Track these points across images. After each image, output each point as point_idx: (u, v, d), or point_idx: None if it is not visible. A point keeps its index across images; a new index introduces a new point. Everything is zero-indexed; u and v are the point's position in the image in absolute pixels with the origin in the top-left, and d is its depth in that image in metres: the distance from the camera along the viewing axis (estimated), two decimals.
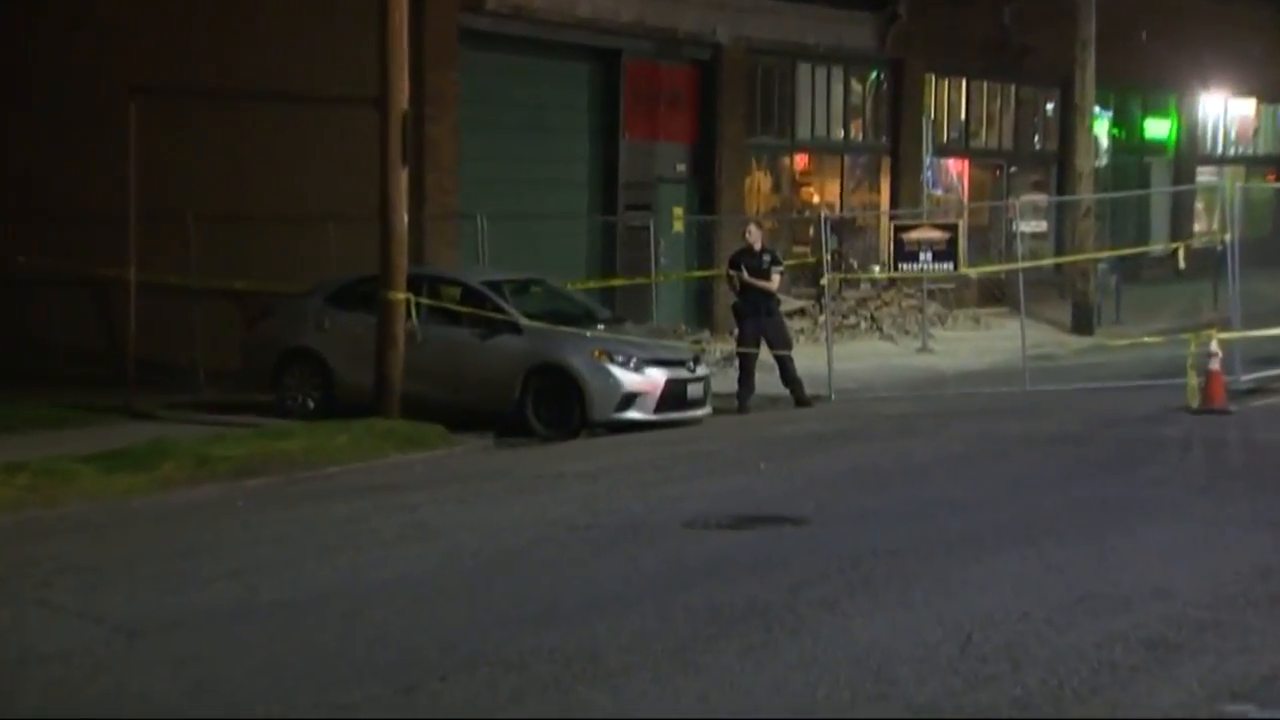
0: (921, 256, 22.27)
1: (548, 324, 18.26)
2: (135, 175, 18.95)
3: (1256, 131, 43.61)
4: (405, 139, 17.62)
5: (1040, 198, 34.73)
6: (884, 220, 28.21)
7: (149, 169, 19.57)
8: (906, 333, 28.04)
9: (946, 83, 33.06)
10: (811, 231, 28.05)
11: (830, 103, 30.50)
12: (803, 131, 30.01)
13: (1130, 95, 38.36)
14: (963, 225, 23.89)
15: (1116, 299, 30.83)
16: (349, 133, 20.45)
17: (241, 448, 15.48)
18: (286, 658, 8.06)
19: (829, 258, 23.38)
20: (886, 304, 29.08)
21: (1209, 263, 28.70)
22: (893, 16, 30.40)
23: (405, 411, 17.41)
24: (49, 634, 8.61)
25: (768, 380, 20.24)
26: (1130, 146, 38.82)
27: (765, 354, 20.21)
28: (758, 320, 20.10)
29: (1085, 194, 29.68)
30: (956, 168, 33.91)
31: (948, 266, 22.61)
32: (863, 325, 28.23)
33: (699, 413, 18.46)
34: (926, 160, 30.03)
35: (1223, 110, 41.79)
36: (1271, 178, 42.24)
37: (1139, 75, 36.61)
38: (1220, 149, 42.31)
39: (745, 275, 20.10)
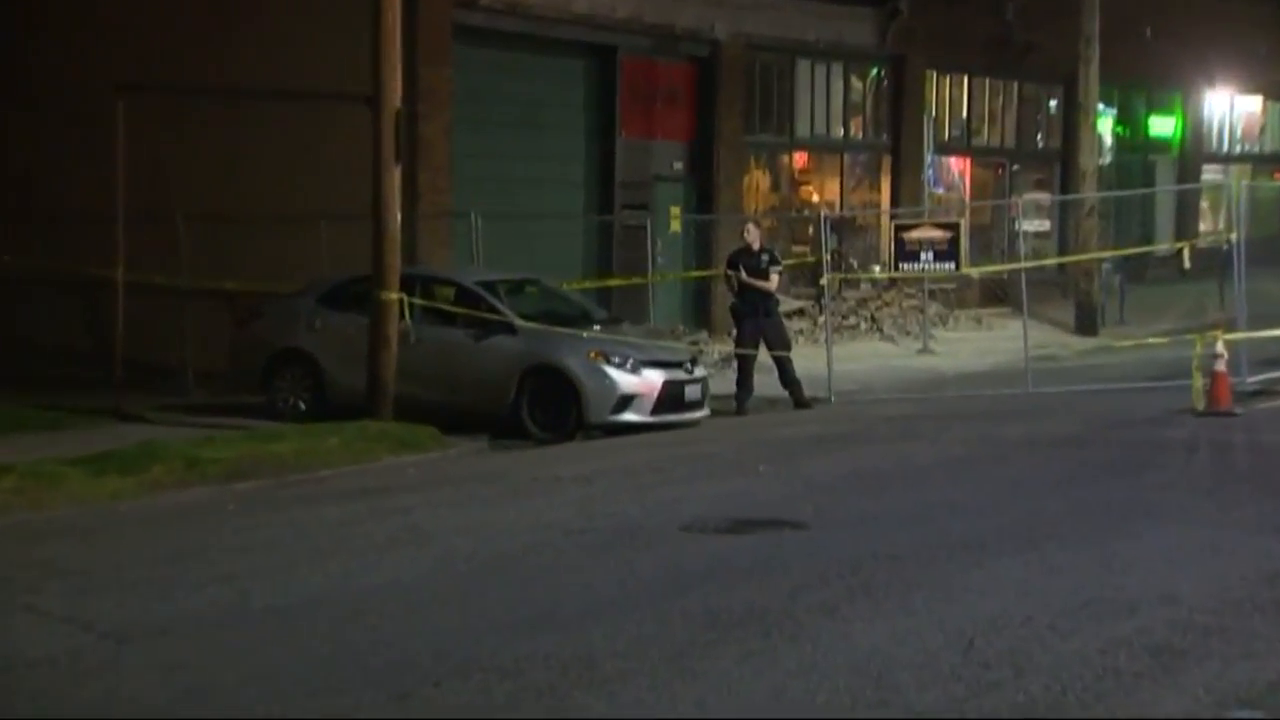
0: (922, 256, 22.27)
1: (543, 325, 18.27)
2: (124, 174, 18.95)
3: (1263, 129, 43.67)
4: (398, 137, 17.61)
5: (1043, 196, 34.76)
6: (884, 219, 28.23)
7: (138, 168, 19.57)
8: (907, 333, 28.07)
9: (948, 79, 33.10)
10: (811, 231, 28.08)
11: (830, 100, 30.53)
12: (802, 129, 30.03)
13: (1135, 92, 38.40)
14: (964, 224, 23.89)
15: (1120, 299, 30.86)
16: (341, 131, 20.45)
17: (232, 450, 15.47)
18: (278, 664, 8.05)
19: (828, 257, 23.40)
20: (887, 304, 29.10)
21: (1214, 262, 28.73)
22: (894, 12, 30.43)
23: (398, 413, 17.40)
24: (36, 640, 8.59)
25: (766, 382, 20.25)
26: (1134, 144, 38.86)
27: (764, 355, 20.22)
28: (756, 321, 20.12)
29: (1089, 192, 29.71)
30: (958, 166, 33.95)
31: (949, 266, 22.61)
32: (863, 326, 28.26)
33: (697, 415, 18.47)
34: (928, 158, 30.04)
35: (1228, 107, 41.84)
36: (1278, 176, 42.29)
37: (1143, 72, 36.65)
38: (1226, 147, 42.36)
39: (743, 275, 20.11)
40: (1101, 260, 29.45)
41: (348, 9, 20.28)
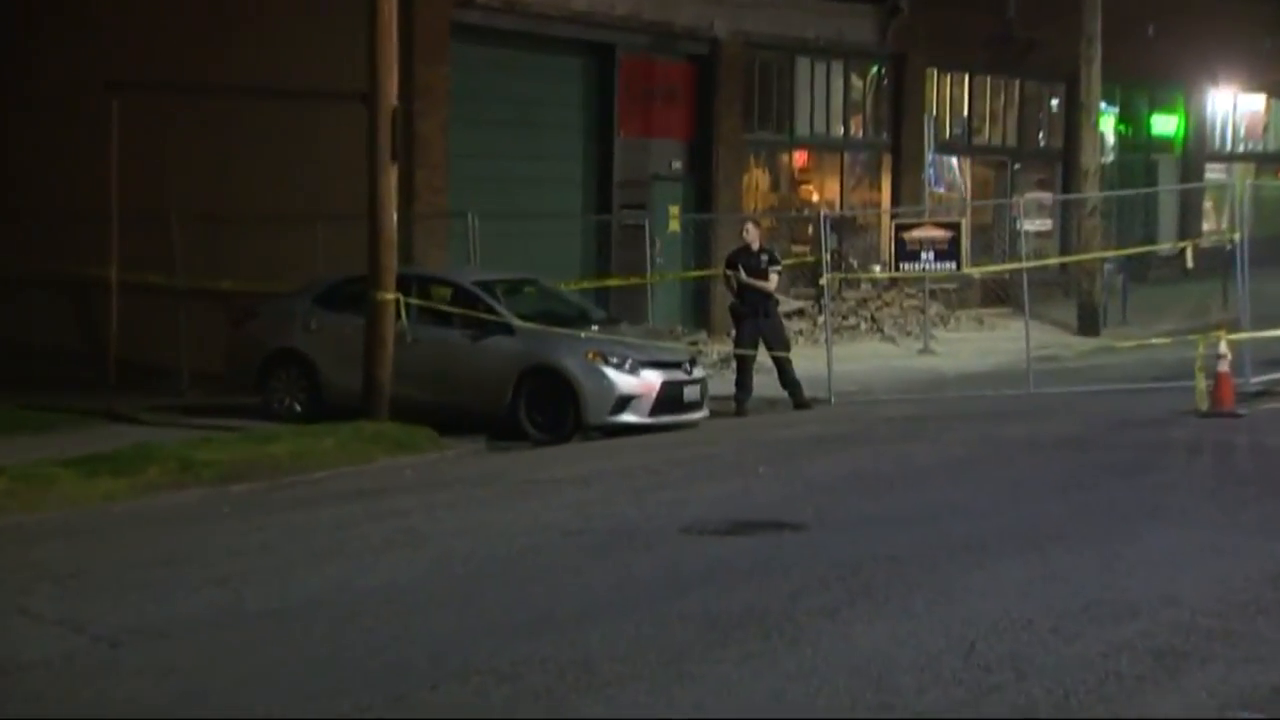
0: (923, 256, 22.27)
1: (541, 325, 18.27)
2: (117, 173, 18.94)
3: (1266, 127, 43.67)
4: (394, 136, 17.61)
5: (1045, 196, 34.76)
6: (885, 219, 28.23)
7: (132, 166, 19.57)
8: (908, 334, 28.08)
9: (949, 78, 33.10)
10: (811, 230, 28.06)
11: (830, 98, 30.52)
12: (802, 128, 30.02)
13: (1137, 91, 38.40)
14: (965, 224, 23.90)
15: (1123, 299, 30.86)
16: (336, 129, 20.45)
17: (226, 452, 15.48)
18: (273, 667, 8.05)
19: (828, 257, 23.39)
20: (887, 304, 29.11)
21: (1217, 262, 28.72)
22: (894, 10, 30.43)
23: (394, 414, 17.40)
24: (28, 643, 8.59)
25: (766, 382, 20.26)
26: (1137, 143, 38.87)
27: (763, 355, 20.22)
28: (755, 321, 20.12)
29: (1091, 192, 29.71)
30: (959, 165, 33.93)
31: (950, 266, 22.62)
32: (863, 326, 28.26)
33: (695, 416, 18.47)
34: (928, 157, 30.02)
35: (1232, 106, 41.85)
36: None
37: (1146, 70, 36.65)
38: (1229, 145, 42.36)
39: (743, 275, 20.11)
40: (1104, 260, 29.44)
41: (343, 6, 20.28)
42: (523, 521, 11.96)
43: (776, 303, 20.74)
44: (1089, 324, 29.24)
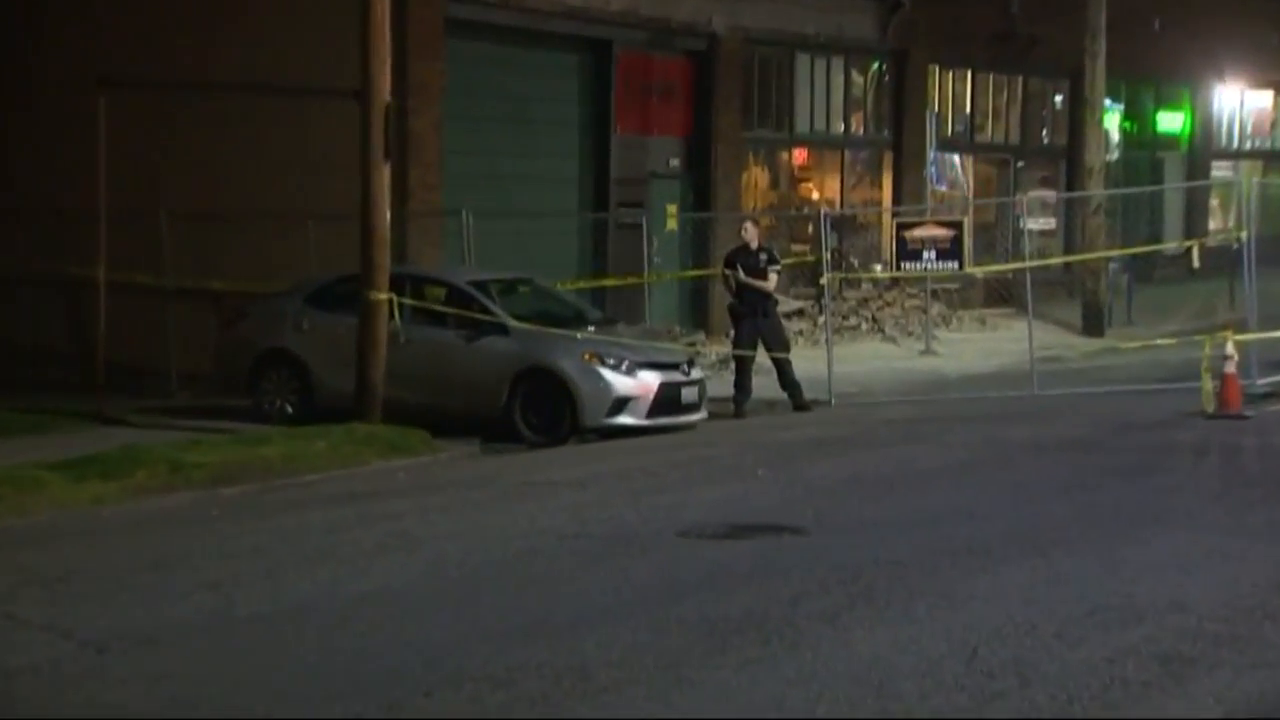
0: (925, 255, 22.27)
1: (536, 325, 18.27)
2: (106, 171, 18.93)
3: (1274, 124, 43.66)
4: (388, 133, 17.61)
5: (1049, 194, 34.74)
6: (886, 217, 28.23)
7: (121, 164, 19.55)
8: (909, 334, 28.08)
9: (951, 74, 33.10)
10: (810, 229, 28.06)
11: (830, 95, 30.52)
12: (801, 125, 30.02)
13: (1142, 87, 38.40)
14: (968, 223, 23.91)
15: (1128, 299, 30.87)
16: (329, 126, 20.43)
17: (216, 454, 15.47)
18: (264, 673, 8.05)
19: (829, 256, 23.40)
20: (888, 304, 29.10)
21: (1224, 261, 28.72)
22: (895, 5, 30.44)
23: (387, 416, 17.40)
24: (15, 648, 8.59)
25: (765, 384, 20.26)
26: (1142, 141, 38.87)
27: (763, 356, 20.22)
28: (754, 321, 20.12)
29: (1095, 190, 29.72)
30: (961, 163, 33.94)
31: (952, 265, 22.62)
32: (864, 327, 28.26)
33: (694, 417, 18.47)
34: (930, 155, 30.01)
35: (1239, 102, 41.85)
36: None
37: (1152, 66, 36.66)
38: (1236, 143, 42.36)
39: (741, 275, 20.12)
40: (1108, 259, 29.46)
41: (336, 1, 20.27)
42: (518, 525, 11.96)
43: (776, 303, 20.75)
44: (1093, 324, 29.25)
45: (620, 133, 26.08)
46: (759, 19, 28.03)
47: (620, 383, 17.84)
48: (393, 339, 17.80)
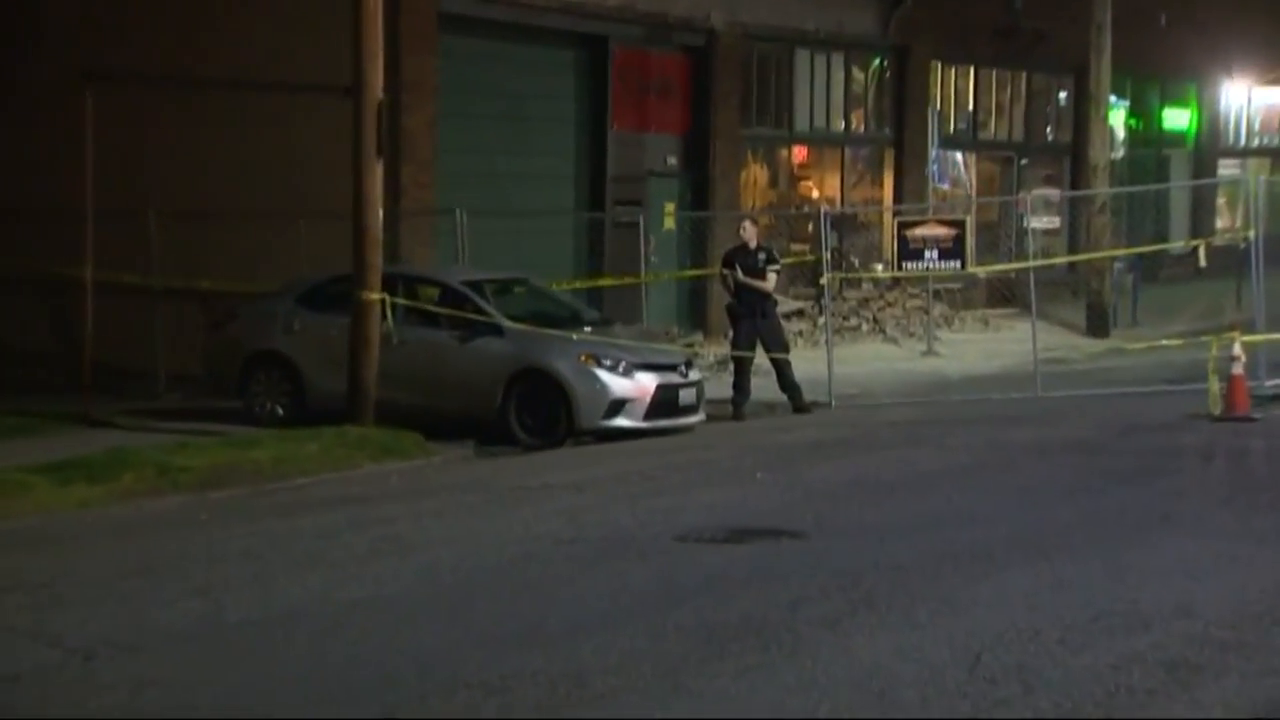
0: (926, 254, 22.28)
1: (532, 326, 18.27)
2: (92, 168, 18.92)
3: None
4: (380, 130, 17.61)
5: (1053, 192, 34.76)
6: (887, 216, 28.23)
7: (107, 162, 19.55)
8: (911, 335, 28.10)
9: (953, 70, 33.13)
10: (810, 228, 28.06)
11: (830, 92, 30.54)
12: (801, 122, 30.04)
13: (1148, 83, 38.42)
14: (970, 221, 23.91)
15: (1133, 299, 30.90)
16: (320, 123, 20.44)
17: (206, 457, 15.47)
18: (254, 681, 8.05)
19: (829, 256, 23.40)
20: (890, 305, 29.12)
21: (1231, 261, 28.76)
22: (897, 0, 30.45)
23: (380, 419, 17.40)
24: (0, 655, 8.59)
25: (764, 385, 20.26)
26: (1148, 138, 38.90)
27: (761, 357, 20.23)
28: (753, 322, 20.12)
29: (1100, 188, 29.73)
30: (964, 161, 33.95)
31: (954, 265, 22.63)
32: (864, 327, 28.27)
33: (691, 420, 18.48)
34: (932, 153, 30.02)
35: (1246, 99, 41.87)
36: None
37: (1158, 62, 36.69)
38: (1244, 140, 42.39)
39: (740, 274, 20.12)
40: (1113, 259, 29.48)
41: None
42: (513, 530, 11.97)
43: (775, 303, 20.75)
44: (1098, 325, 29.27)
45: (617, 130, 26.09)
46: (758, 14, 28.05)
47: (617, 384, 17.84)
48: (385, 340, 17.80)
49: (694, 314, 27.20)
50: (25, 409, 19.13)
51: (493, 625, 8.97)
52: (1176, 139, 40.00)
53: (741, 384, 20.03)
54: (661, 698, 7.49)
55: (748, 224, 21.15)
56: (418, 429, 17.32)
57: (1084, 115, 32.20)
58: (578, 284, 24.06)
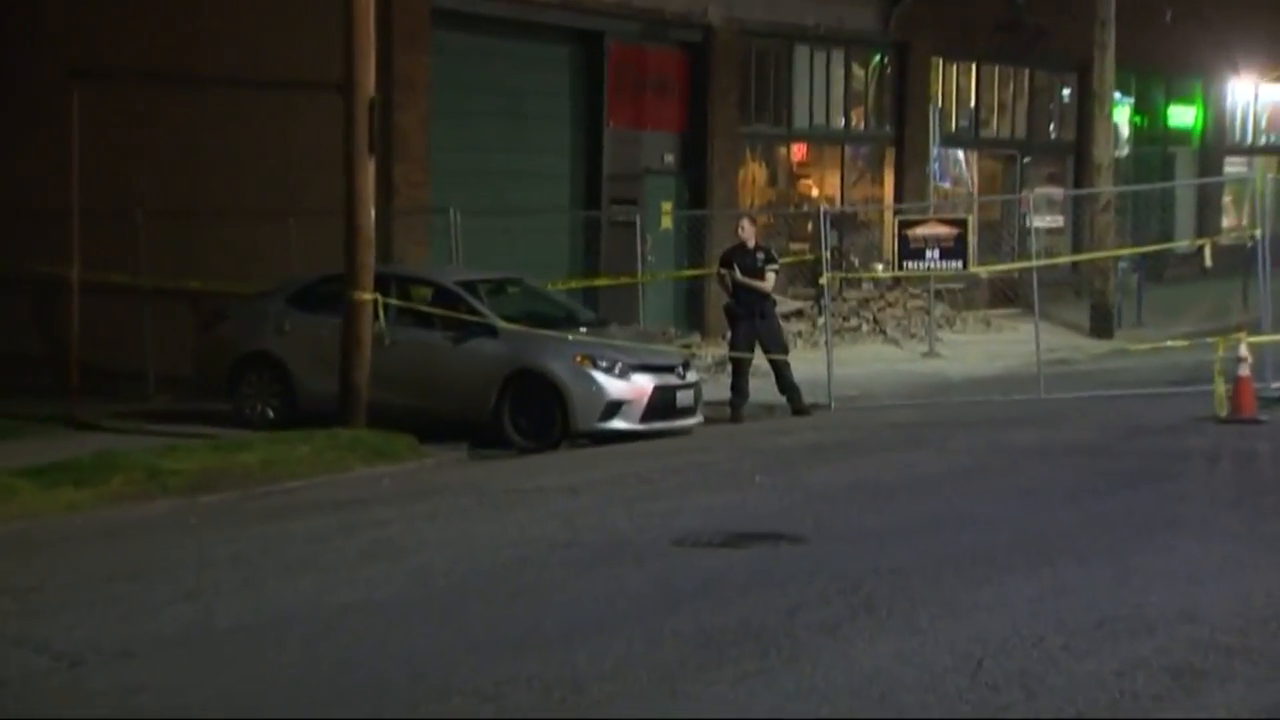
0: (928, 254, 22.28)
1: (526, 327, 18.27)
2: (79, 166, 18.92)
3: None
4: (372, 128, 17.61)
5: (1056, 191, 34.80)
6: (887, 215, 28.22)
7: (94, 159, 19.58)
8: (912, 336, 28.10)
9: (955, 67, 33.15)
10: (810, 227, 28.08)
11: (830, 89, 30.55)
12: (800, 120, 30.05)
13: (1153, 80, 38.47)
14: (972, 221, 23.91)
15: (1138, 300, 30.92)
16: (311, 121, 20.46)
17: (195, 460, 15.47)
18: (245, 686, 8.05)
19: (828, 255, 23.40)
20: (890, 305, 29.13)
21: (1237, 260, 28.79)
22: None
23: (372, 421, 17.40)
24: None
25: (763, 387, 20.26)
26: (1153, 135, 38.94)
27: (760, 359, 20.23)
28: (752, 323, 20.12)
29: (1104, 187, 29.74)
30: (966, 159, 33.97)
31: (956, 265, 22.63)
32: (865, 328, 28.28)
33: (689, 422, 18.48)
34: (933, 151, 30.02)
35: (1253, 96, 41.93)
36: None
37: (1162, 59, 36.73)
38: (1250, 138, 42.46)
39: (738, 274, 20.12)
40: (1118, 258, 29.49)
41: None
42: (507, 533, 11.97)
43: (774, 303, 20.75)
44: (1102, 325, 29.28)
45: (613, 127, 26.09)
46: (756, 10, 28.06)
47: (613, 386, 17.84)
48: (377, 341, 17.80)
49: (691, 314, 27.20)
50: (11, 411, 19.12)
51: (486, 630, 8.97)
52: (1182, 136, 40.04)
53: (740, 385, 20.03)
54: (658, 704, 7.49)
55: (746, 223, 21.14)
56: (410, 431, 17.31)
57: (1088, 112, 32.24)
58: (573, 284, 24.06)
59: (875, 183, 31.94)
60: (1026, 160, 35.33)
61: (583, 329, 18.73)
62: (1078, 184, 34.15)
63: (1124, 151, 35.87)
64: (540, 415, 17.79)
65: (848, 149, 31.38)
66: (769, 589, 9.76)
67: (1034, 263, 23.73)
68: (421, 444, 17.20)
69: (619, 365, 17.95)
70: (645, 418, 17.96)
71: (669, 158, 27.48)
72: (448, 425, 17.90)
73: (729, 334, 20.94)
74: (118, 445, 16.29)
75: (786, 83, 29.63)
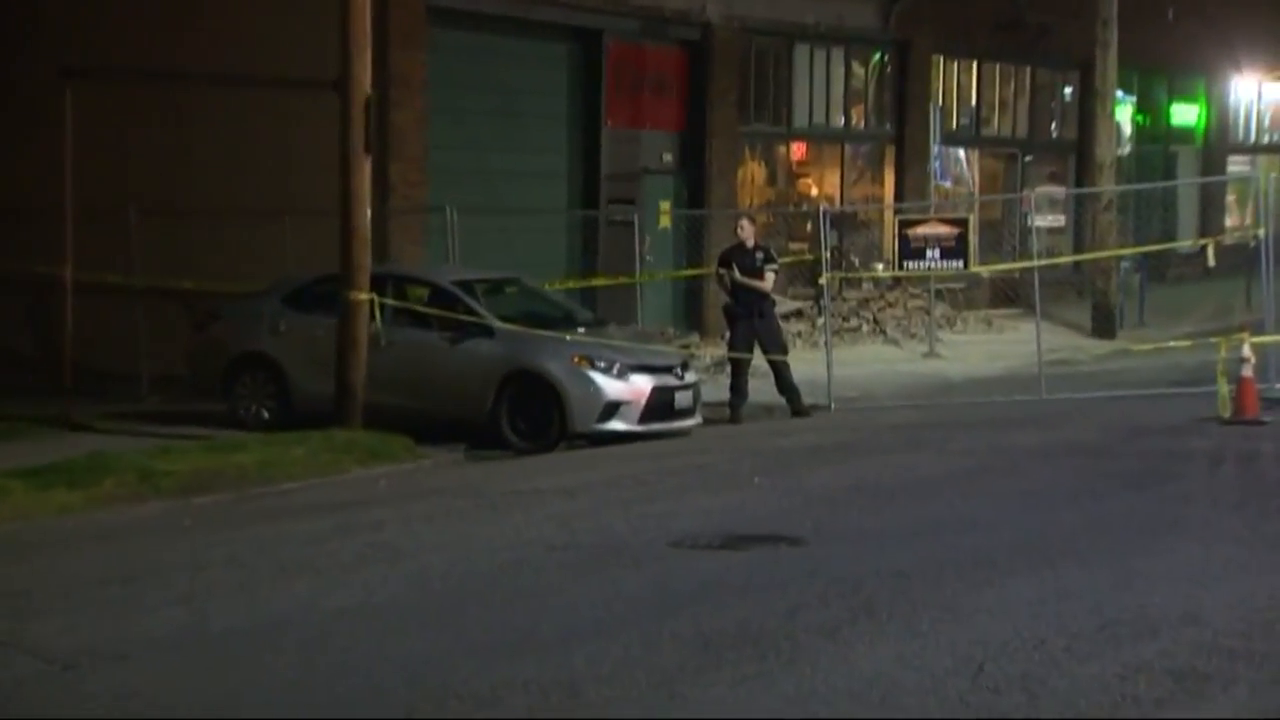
0: (928, 254, 22.28)
1: (524, 327, 18.26)
2: (72, 165, 18.90)
3: None
4: (368, 126, 17.61)
5: (1058, 190, 34.81)
6: (888, 214, 28.23)
7: (87, 158, 19.52)
8: (912, 336, 28.10)
9: (956, 65, 33.15)
10: (809, 227, 28.07)
11: (830, 87, 30.55)
12: (800, 118, 30.04)
13: (1155, 78, 38.47)
14: (973, 220, 23.92)
15: (1140, 300, 30.92)
16: (307, 120, 20.43)
17: (189, 462, 15.46)
18: (239, 691, 8.05)
19: (828, 255, 23.40)
20: (890, 305, 29.13)
21: (1241, 260, 28.76)
22: None
23: (368, 422, 17.40)
24: None
25: (762, 387, 20.26)
26: (1155, 134, 38.94)
27: (759, 359, 20.23)
28: (751, 323, 20.12)
29: (1106, 186, 29.74)
30: (967, 158, 33.98)
31: (957, 265, 22.63)
32: (865, 328, 28.28)
33: (687, 423, 18.47)
34: (934, 149, 30.02)
35: (1256, 94, 41.93)
36: None
37: (1165, 56, 36.72)
38: (1253, 136, 42.45)
39: (737, 274, 20.12)
40: (1120, 258, 29.49)
41: None
42: (504, 535, 11.97)
43: (773, 303, 20.74)
44: (1104, 326, 29.28)
45: (611, 126, 26.09)
46: (755, 7, 28.05)
47: (611, 387, 17.84)
48: (373, 341, 17.80)
49: (690, 315, 27.20)
50: (3, 412, 19.11)
51: (483, 633, 8.97)
52: (1184, 135, 40.04)
53: (739, 386, 20.03)
54: (656, 707, 7.49)
55: (745, 223, 21.14)
56: (407, 432, 17.31)
57: (1089, 111, 32.24)
58: (571, 284, 24.06)
59: (875, 182, 31.95)
60: (1028, 159, 35.33)
61: (581, 329, 18.73)
62: (1079, 183, 34.15)
63: (1126, 150, 35.89)
64: (538, 416, 17.79)
65: (848, 148, 31.39)
66: (768, 591, 9.76)
67: (1035, 262, 23.73)
68: (418, 445, 17.20)
69: (617, 366, 17.95)
70: (643, 419, 17.96)
71: (667, 157, 27.48)
72: (444, 426, 17.90)
73: (728, 334, 20.94)
74: (111, 446, 16.29)
75: (786, 81, 29.63)
